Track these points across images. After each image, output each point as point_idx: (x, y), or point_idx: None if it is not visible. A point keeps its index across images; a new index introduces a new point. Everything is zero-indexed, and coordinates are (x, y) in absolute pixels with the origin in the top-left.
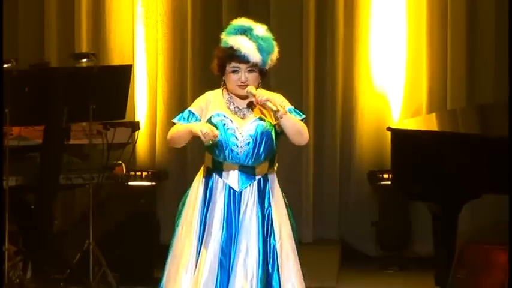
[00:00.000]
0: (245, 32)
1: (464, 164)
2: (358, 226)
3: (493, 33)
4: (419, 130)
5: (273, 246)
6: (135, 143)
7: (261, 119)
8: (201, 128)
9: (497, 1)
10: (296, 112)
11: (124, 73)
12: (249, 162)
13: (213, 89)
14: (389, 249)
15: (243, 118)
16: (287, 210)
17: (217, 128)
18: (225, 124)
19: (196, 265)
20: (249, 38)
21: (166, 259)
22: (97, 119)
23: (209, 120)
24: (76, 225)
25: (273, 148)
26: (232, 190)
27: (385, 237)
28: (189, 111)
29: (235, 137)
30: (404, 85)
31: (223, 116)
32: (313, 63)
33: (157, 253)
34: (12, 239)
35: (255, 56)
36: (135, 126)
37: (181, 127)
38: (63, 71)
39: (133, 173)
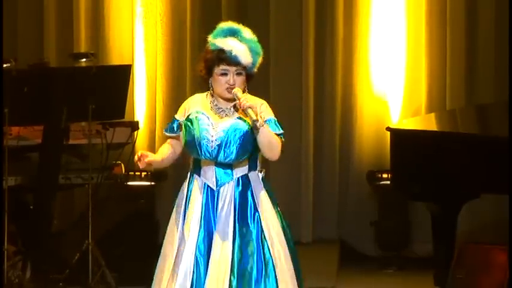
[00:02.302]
0: (234, 34)
1: (463, 164)
2: (358, 226)
3: (492, 33)
4: (419, 130)
5: (266, 245)
6: (135, 142)
7: (239, 118)
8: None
9: (496, 1)
10: (276, 125)
11: (123, 73)
12: (222, 158)
13: None
14: (388, 249)
15: (222, 117)
16: (276, 210)
17: (191, 123)
18: (200, 119)
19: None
20: (239, 40)
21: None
22: (96, 119)
23: (187, 118)
24: (75, 225)
25: (248, 147)
26: (210, 189)
27: (385, 237)
28: (174, 119)
29: (208, 131)
30: (404, 85)
31: (202, 113)
32: (313, 63)
33: (156, 253)
34: (11, 239)
35: (246, 58)
36: (134, 126)
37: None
38: (63, 71)
39: (132, 173)
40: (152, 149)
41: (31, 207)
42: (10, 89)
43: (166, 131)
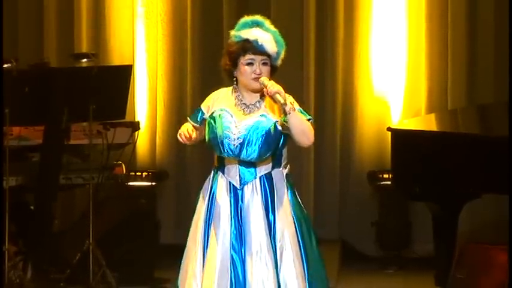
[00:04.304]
0: (258, 24)
1: (464, 164)
2: (358, 226)
3: (493, 34)
4: (420, 130)
5: (274, 247)
6: (135, 143)
7: (264, 115)
8: (180, 131)
9: (497, 2)
10: (303, 113)
11: (124, 73)
12: (244, 156)
13: (213, 88)
14: (389, 249)
15: (246, 114)
16: (296, 209)
17: (214, 121)
18: (223, 117)
19: (203, 265)
20: (264, 30)
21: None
22: (97, 119)
23: (211, 115)
24: (76, 225)
25: (271, 145)
26: (234, 187)
27: (385, 237)
28: (199, 107)
29: (230, 130)
30: (405, 85)
31: (225, 110)
32: (314, 63)
33: (157, 253)
34: (12, 239)
35: (272, 46)
36: (135, 126)
37: (187, 125)
38: (63, 71)
39: (133, 173)
40: (153, 149)
41: (32, 207)
42: (11, 89)
43: (190, 118)
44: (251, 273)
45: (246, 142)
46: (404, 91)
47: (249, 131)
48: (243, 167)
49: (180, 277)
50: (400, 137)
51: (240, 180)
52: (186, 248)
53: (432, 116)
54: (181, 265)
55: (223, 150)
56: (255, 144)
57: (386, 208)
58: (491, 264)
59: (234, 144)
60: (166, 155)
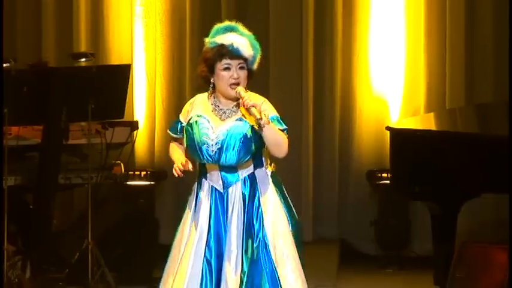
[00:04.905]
0: (232, 29)
1: (463, 163)
2: (358, 225)
3: (492, 33)
4: (418, 129)
5: (266, 244)
6: (134, 142)
7: (240, 119)
8: (175, 166)
9: (496, 0)
10: (279, 121)
11: (123, 72)
12: (223, 161)
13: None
14: (388, 249)
15: (223, 119)
16: (284, 206)
17: (192, 128)
18: (200, 124)
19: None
20: (239, 34)
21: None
22: (96, 119)
23: (188, 122)
24: (75, 224)
25: (250, 148)
26: (217, 192)
27: (384, 236)
28: (177, 119)
29: (208, 136)
30: (403, 84)
31: (202, 116)
32: (312, 63)
33: (156, 253)
34: (11, 239)
35: (248, 50)
36: (133, 125)
37: (172, 151)
38: (62, 71)
39: (132, 172)
40: (151, 148)
41: (31, 206)
42: (10, 89)
43: (170, 130)
44: (225, 275)
45: (225, 147)
46: (403, 90)
47: (226, 136)
48: (225, 172)
49: (161, 283)
50: (399, 137)
51: (223, 184)
52: (170, 254)
53: (431, 115)
54: (164, 272)
55: (203, 157)
56: (233, 149)
57: (385, 207)
58: (491, 264)
59: (212, 150)
60: (165, 154)
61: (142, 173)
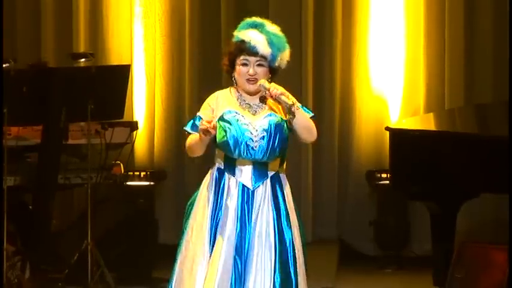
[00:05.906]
0: (256, 26)
1: (462, 163)
2: (357, 226)
3: (491, 33)
4: (418, 130)
5: (292, 245)
6: (134, 142)
7: (271, 114)
8: (199, 129)
9: (495, 1)
10: (306, 110)
11: (122, 73)
12: (264, 158)
13: (211, 88)
14: (387, 249)
15: (254, 114)
16: (295, 210)
17: (230, 123)
18: (238, 120)
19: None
20: (260, 31)
21: (175, 262)
22: (95, 119)
23: (221, 118)
24: (74, 225)
25: (286, 142)
26: (245, 189)
27: (384, 236)
28: (196, 116)
29: (250, 132)
30: (403, 84)
31: (235, 112)
32: (312, 63)
33: (155, 253)
34: (10, 239)
35: (264, 48)
36: (133, 126)
37: (193, 137)
38: (62, 71)
39: (131, 172)
40: (151, 149)
41: (30, 207)
42: (9, 89)
43: (189, 128)
44: (253, 274)
45: (267, 143)
46: (403, 90)
47: (268, 131)
48: (256, 168)
49: (174, 281)
50: (399, 137)
51: (253, 182)
52: (183, 250)
53: (430, 115)
54: (176, 269)
55: (243, 153)
56: (276, 145)
57: (384, 208)
58: (490, 264)
59: (254, 147)
60: (165, 154)
61: (142, 173)
